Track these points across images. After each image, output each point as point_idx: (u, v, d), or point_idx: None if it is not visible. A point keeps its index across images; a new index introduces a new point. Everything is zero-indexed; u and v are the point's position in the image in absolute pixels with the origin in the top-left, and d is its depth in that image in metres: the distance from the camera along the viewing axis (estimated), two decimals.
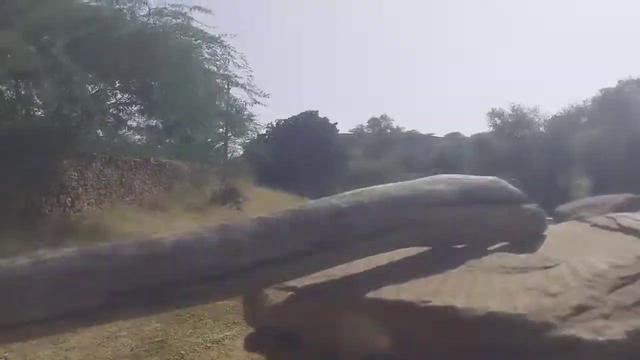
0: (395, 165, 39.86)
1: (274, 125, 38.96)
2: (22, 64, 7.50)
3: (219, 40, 10.64)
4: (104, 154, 11.85)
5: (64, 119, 9.23)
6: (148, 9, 10.44)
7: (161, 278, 2.35)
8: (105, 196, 12.14)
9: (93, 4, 9.84)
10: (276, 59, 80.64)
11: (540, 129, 34.50)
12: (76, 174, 10.90)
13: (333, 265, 2.97)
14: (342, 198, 3.00)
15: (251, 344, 3.44)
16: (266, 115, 35.64)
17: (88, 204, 11.37)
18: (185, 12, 10.42)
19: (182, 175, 16.91)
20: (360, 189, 3.20)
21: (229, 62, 11.11)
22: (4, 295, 2.18)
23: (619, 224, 3.71)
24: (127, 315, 2.72)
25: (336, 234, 2.82)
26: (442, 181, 3.46)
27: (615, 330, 2.18)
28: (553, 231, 3.95)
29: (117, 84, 10.70)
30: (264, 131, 33.31)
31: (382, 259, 3.21)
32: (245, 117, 16.19)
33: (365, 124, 46.76)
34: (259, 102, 13.39)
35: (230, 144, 20.72)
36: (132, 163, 13.64)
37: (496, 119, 34.96)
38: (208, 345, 4.68)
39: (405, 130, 46.93)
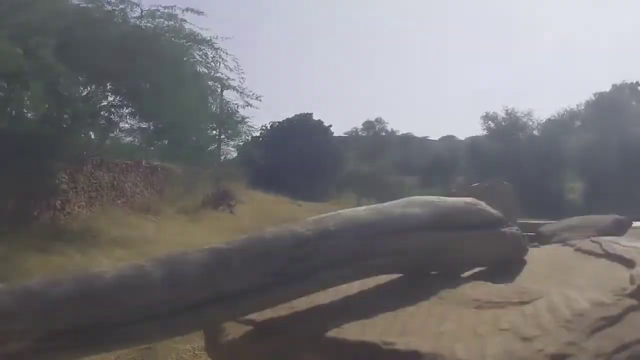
0: (389, 168, 39.84)
1: (268, 128, 38.91)
2: (9, 66, 7.41)
3: (210, 43, 10.59)
4: (95, 156, 11.74)
5: (54, 122, 9.14)
6: (140, 11, 10.38)
7: (98, 318, 2.14)
8: (96, 199, 12.04)
9: (82, 5, 9.74)
10: (271, 61, 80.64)
11: (534, 132, 34.62)
12: (66, 177, 10.80)
13: (295, 298, 2.75)
14: (306, 225, 2.79)
15: None
16: (260, 117, 35.60)
17: (78, 207, 11.27)
18: (178, 14, 10.36)
19: (175, 178, 16.81)
20: (327, 214, 2.98)
21: (220, 64, 11.06)
22: None
23: (604, 250, 3.55)
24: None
25: (298, 264, 2.60)
26: (416, 203, 3.26)
27: None
28: (534, 256, 3.77)
29: (109, 86, 10.61)
30: (257, 134, 33.21)
31: (352, 287, 2.99)
32: (238, 119, 16.15)
33: (360, 126, 46.64)
34: (251, 105, 13.34)
35: (223, 147, 20.63)
36: (124, 165, 13.54)
37: (490, 122, 35.09)
38: (196, 352, 4.62)
39: (400, 133, 46.95)
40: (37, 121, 8.63)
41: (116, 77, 9.91)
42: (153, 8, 10.34)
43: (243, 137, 18.63)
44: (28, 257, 7.65)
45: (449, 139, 46.87)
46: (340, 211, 3.04)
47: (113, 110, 10.90)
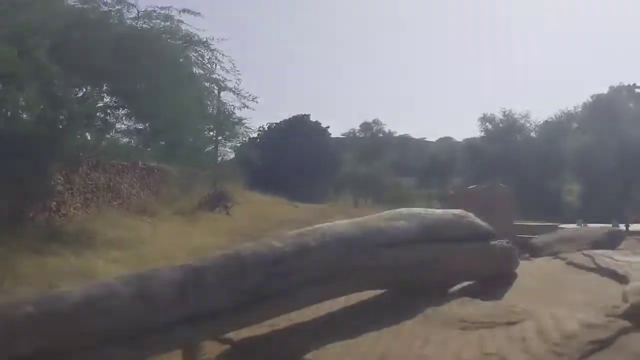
0: (387, 169, 39.82)
1: (266, 129, 38.85)
2: (3, 67, 7.35)
3: (206, 44, 10.54)
4: (91, 157, 11.69)
5: (49, 123, 9.08)
6: (137, 12, 10.33)
7: (62, 341, 2.00)
8: (92, 200, 11.99)
9: (78, 5, 9.68)
10: (269, 62, 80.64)
11: (532, 134, 34.67)
12: (62, 178, 10.76)
13: (274, 317, 2.66)
14: (285, 240, 2.70)
15: None
16: (258, 118, 35.52)
17: (74, 209, 11.22)
18: (174, 16, 10.31)
19: (171, 179, 16.78)
20: (308, 228, 2.91)
21: (216, 66, 11.00)
22: None
23: (596, 264, 3.48)
24: None
25: (277, 282, 2.49)
26: (402, 216, 3.17)
27: None
28: (525, 269, 3.67)
29: (105, 87, 10.56)
30: (255, 135, 33.16)
31: (336, 302, 2.93)
32: (235, 120, 16.08)
33: (357, 128, 46.73)
34: (247, 106, 13.30)
35: (220, 148, 20.56)
36: (120, 167, 13.50)
37: (487, 124, 35.12)
38: None
39: (398, 134, 47.00)
40: (33, 122, 8.56)
41: (112, 78, 9.85)
42: (149, 9, 10.30)
43: (240, 138, 18.52)
44: (23, 259, 7.61)
45: (446, 141, 46.94)
46: (321, 225, 2.97)
47: (109, 111, 10.84)
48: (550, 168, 31.21)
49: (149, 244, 10.05)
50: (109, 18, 9.81)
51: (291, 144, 36.17)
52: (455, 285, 3.33)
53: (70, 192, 11.10)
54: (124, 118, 11.14)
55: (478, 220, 3.52)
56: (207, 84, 11.59)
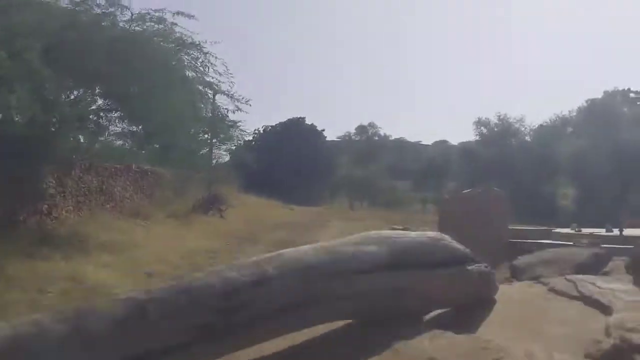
0: (382, 173, 39.84)
1: (261, 132, 38.80)
2: None
3: (199, 47, 10.49)
4: (83, 160, 11.61)
5: (41, 125, 9.00)
6: (130, 14, 10.27)
7: None
8: (84, 203, 11.90)
9: (69, 7, 9.62)
10: (264, 65, 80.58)
11: (526, 138, 34.74)
12: (54, 181, 10.67)
13: (227, 354, 2.43)
14: (241, 269, 2.51)
15: None
16: (253, 121, 35.45)
17: (66, 212, 11.13)
18: (167, 18, 10.27)
19: (165, 182, 16.70)
20: (268, 255, 2.71)
21: (209, 68, 10.96)
22: None
23: (579, 292, 3.32)
24: None
25: (231, 316, 2.29)
26: (371, 240, 2.98)
27: None
28: (505, 295, 3.49)
29: (98, 90, 10.49)
30: (250, 137, 33.10)
31: (300, 333, 2.72)
32: (230, 123, 16.04)
33: (353, 131, 46.80)
34: (240, 109, 13.29)
35: (215, 151, 20.52)
36: (113, 169, 13.42)
37: (482, 128, 35.16)
38: None
39: (393, 137, 47.07)
40: (24, 125, 8.49)
41: (105, 81, 9.79)
42: (143, 11, 10.25)
43: (235, 141, 18.53)
44: (13, 263, 7.53)
45: (441, 144, 47.01)
46: (283, 251, 2.76)
47: (102, 114, 10.78)
48: (545, 172, 31.28)
49: (142, 248, 10.00)
50: (102, 20, 9.76)
51: (287, 147, 36.12)
52: (430, 312, 3.17)
53: (62, 195, 11.00)
54: (117, 121, 11.09)
55: (455, 243, 3.34)
56: (200, 87, 11.55)
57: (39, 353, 1.89)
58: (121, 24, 10.13)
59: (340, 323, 2.89)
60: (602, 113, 31.76)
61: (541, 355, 2.22)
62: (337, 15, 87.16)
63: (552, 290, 3.54)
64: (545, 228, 13.75)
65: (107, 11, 10.00)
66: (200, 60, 10.77)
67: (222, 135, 16.81)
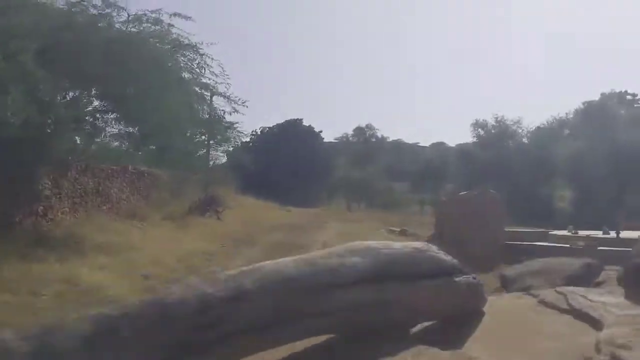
0: (380, 174, 39.83)
1: (259, 133, 38.78)
2: None
3: (195, 48, 10.47)
4: (79, 162, 11.57)
5: (37, 127, 8.97)
6: (127, 15, 10.25)
7: None
8: (81, 205, 11.86)
9: (65, 8, 9.59)
10: (261, 66, 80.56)
11: (524, 140, 34.77)
12: (50, 183, 10.63)
13: None
14: (218, 283, 2.41)
15: None
16: (250, 123, 35.38)
17: (62, 213, 11.09)
18: (164, 20, 10.25)
19: (162, 183, 16.66)
20: (246, 268, 2.61)
21: (205, 70, 10.95)
22: None
23: (569, 305, 3.24)
24: None
25: (206, 332, 2.20)
26: (356, 251, 2.88)
27: None
28: (493, 307, 3.39)
29: (94, 91, 10.46)
30: (248, 139, 33.08)
31: (278, 350, 2.63)
32: (227, 124, 16.02)
33: (351, 132, 46.79)
34: (237, 111, 13.29)
35: (212, 152, 20.49)
36: (110, 171, 13.38)
37: (480, 129, 35.17)
38: None
39: (391, 139, 47.10)
40: (19, 126, 8.45)
41: (101, 82, 9.77)
42: (140, 12, 10.24)
43: (232, 142, 18.51)
44: (8, 265, 7.49)
45: (439, 146, 46.98)
46: (263, 264, 2.63)
47: (98, 115, 10.75)
48: (542, 174, 31.30)
49: (138, 250, 9.96)
50: (98, 22, 9.73)
51: (284, 148, 36.12)
52: (417, 324, 3.09)
53: (58, 196, 10.97)
54: (113, 122, 11.07)
55: (441, 254, 3.27)
56: (197, 89, 11.53)
57: None
58: (117, 25, 10.13)
59: (322, 338, 2.80)
60: (599, 115, 31.81)
61: None
62: (334, 17, 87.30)
63: (542, 302, 3.46)
64: (542, 230, 13.78)
65: (103, 12, 9.99)
66: (197, 61, 10.77)
67: (219, 137, 16.81)
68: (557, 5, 79.80)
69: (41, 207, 10.38)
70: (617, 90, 35.82)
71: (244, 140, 25.67)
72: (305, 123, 40.30)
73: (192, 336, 2.15)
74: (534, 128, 34.81)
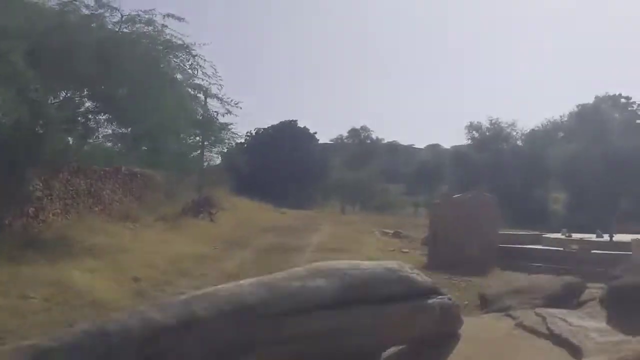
0: (375, 176, 39.79)
1: (253, 134, 38.68)
2: None
3: (188, 49, 10.42)
4: (72, 163, 11.49)
5: (28, 128, 8.90)
6: (120, 16, 10.19)
7: None
8: (72, 206, 11.78)
9: (57, 8, 9.52)
10: (256, 67, 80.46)
11: (518, 142, 34.83)
12: (41, 184, 10.55)
13: None
14: (167, 309, 2.23)
15: None
16: (245, 124, 35.31)
17: (53, 215, 11.01)
18: (157, 20, 10.20)
19: (155, 185, 16.57)
20: (199, 293, 2.44)
21: (198, 71, 10.89)
22: None
23: (549, 329, 3.12)
24: None
25: None
26: (321, 273, 2.69)
27: None
28: (469, 330, 3.22)
29: (86, 92, 10.39)
30: (242, 140, 32.98)
31: None
32: (221, 126, 15.98)
33: (346, 134, 46.79)
34: (230, 112, 13.26)
35: (207, 153, 20.42)
36: (102, 172, 13.29)
37: (474, 132, 35.20)
38: None
39: (386, 141, 47.14)
40: (10, 127, 8.38)
41: (93, 83, 9.71)
42: (133, 13, 10.18)
43: (226, 143, 18.47)
44: None
45: (434, 148, 47.02)
46: (218, 288, 2.45)
47: (90, 116, 10.69)
48: (537, 176, 31.36)
49: (130, 252, 9.88)
50: (90, 22, 9.67)
51: (279, 150, 36.01)
52: (386, 350, 2.90)
53: (49, 198, 10.89)
54: (105, 123, 11.01)
55: (414, 275, 3.05)
56: (190, 90, 11.48)
57: None
58: (110, 26, 10.06)
59: None
60: (593, 118, 31.91)
61: None
62: (330, 18, 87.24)
63: (520, 325, 3.32)
64: (536, 233, 13.78)
65: (95, 12, 9.93)
66: (190, 62, 10.71)
67: (212, 138, 16.77)
68: (551, 8, 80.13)
69: (32, 209, 10.31)
70: (611, 94, 35.93)
71: (238, 141, 25.62)
72: (300, 124, 40.23)
73: None
74: (528, 131, 34.90)
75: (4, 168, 8.97)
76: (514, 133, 34.91)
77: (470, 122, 35.23)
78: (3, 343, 4.63)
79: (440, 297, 3.06)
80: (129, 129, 11.01)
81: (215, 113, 13.41)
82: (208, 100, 13.51)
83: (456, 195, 13.15)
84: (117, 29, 10.07)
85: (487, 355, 2.86)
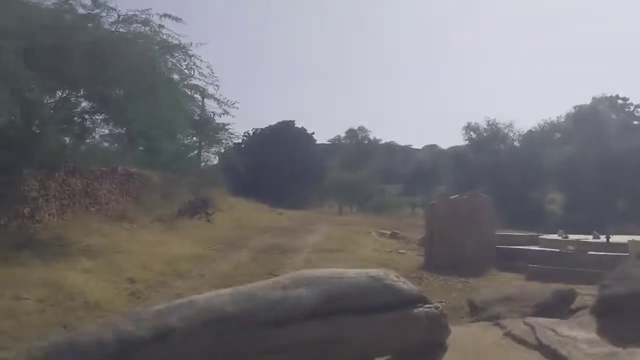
0: (373, 176, 39.79)
1: (251, 135, 38.63)
2: None
3: (184, 50, 10.39)
4: (68, 163, 11.44)
5: (23, 128, 8.86)
6: (117, 16, 10.16)
7: None
8: (68, 207, 11.72)
9: (53, 7, 9.48)
10: (253, 68, 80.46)
11: (515, 143, 34.86)
12: (37, 184, 10.49)
13: None
14: (141, 321, 2.16)
15: None
16: (243, 124, 35.26)
17: (49, 215, 10.95)
18: (154, 20, 10.17)
19: (152, 185, 16.52)
20: (177, 302, 2.36)
21: (194, 71, 10.88)
22: None
23: (537, 339, 3.07)
24: None
25: None
26: (304, 282, 2.63)
27: None
28: (457, 340, 3.14)
29: (82, 92, 10.35)
30: (239, 141, 32.94)
31: None
32: (219, 126, 15.97)
33: (343, 134, 46.80)
34: (227, 113, 13.23)
35: (204, 154, 20.39)
36: (99, 172, 13.24)
37: (472, 133, 35.22)
38: None
39: (383, 141, 47.17)
40: (5, 127, 8.34)
41: (89, 83, 9.67)
42: (130, 13, 10.15)
43: (224, 144, 18.46)
44: None
45: (432, 148, 47.07)
46: (195, 298, 2.40)
47: (87, 116, 10.65)
48: (534, 177, 31.39)
49: (125, 253, 9.83)
50: (87, 21, 9.63)
51: (276, 150, 35.97)
52: None
53: (45, 198, 10.82)
54: (102, 123, 10.98)
55: (400, 283, 2.97)
56: (187, 90, 11.46)
57: None
58: (106, 26, 10.03)
59: None
60: (590, 119, 31.94)
61: None
62: (327, 19, 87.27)
63: (509, 335, 3.27)
64: (533, 234, 13.77)
65: (92, 12, 9.90)
66: (186, 62, 10.69)
67: (210, 138, 16.75)
68: (549, 9, 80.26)
69: (27, 209, 10.24)
70: (609, 95, 36.00)
71: (235, 141, 25.62)
72: (298, 125, 40.21)
73: None
74: (525, 132, 34.93)
75: None
76: (511, 134, 34.98)
77: (468, 123, 35.29)
78: None
79: (427, 305, 2.99)
80: (126, 129, 10.97)
81: (212, 113, 13.38)
82: (205, 100, 13.48)
83: (453, 196, 13.12)
84: (113, 29, 10.04)
85: None
